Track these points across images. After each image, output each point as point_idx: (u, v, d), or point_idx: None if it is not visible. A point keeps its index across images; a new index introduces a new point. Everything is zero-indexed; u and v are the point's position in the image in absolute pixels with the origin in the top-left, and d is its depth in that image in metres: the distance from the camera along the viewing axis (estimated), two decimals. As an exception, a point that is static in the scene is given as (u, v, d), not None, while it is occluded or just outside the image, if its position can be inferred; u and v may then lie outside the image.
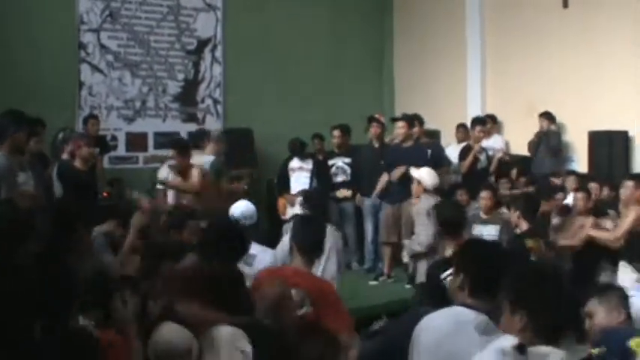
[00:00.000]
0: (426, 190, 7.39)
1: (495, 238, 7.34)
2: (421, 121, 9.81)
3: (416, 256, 7.44)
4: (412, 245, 7.44)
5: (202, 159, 8.62)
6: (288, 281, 4.11)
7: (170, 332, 3.67)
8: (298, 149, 9.98)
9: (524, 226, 6.85)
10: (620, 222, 7.07)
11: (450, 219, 5.68)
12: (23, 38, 10.56)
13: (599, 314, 3.84)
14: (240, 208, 6.33)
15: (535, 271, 3.18)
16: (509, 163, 10.34)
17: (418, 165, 8.77)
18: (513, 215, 7.06)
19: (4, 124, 6.48)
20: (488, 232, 7.35)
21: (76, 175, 7.73)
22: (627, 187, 7.07)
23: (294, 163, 10.03)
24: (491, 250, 3.66)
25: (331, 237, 5.78)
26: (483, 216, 7.57)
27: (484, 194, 7.65)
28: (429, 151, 9.25)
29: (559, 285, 2.95)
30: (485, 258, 3.40)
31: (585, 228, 7.26)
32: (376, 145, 9.69)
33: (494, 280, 3.12)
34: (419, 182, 7.47)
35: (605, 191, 8.31)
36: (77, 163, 7.71)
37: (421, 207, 7.26)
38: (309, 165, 9.95)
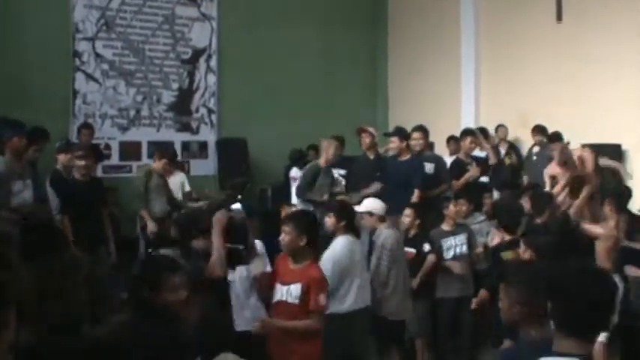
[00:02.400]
0: (381, 220, 6.79)
1: (465, 247, 7.38)
2: (426, 133, 9.35)
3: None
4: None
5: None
6: None
7: None
8: (298, 158, 9.98)
9: (506, 237, 6.64)
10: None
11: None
12: (18, 46, 10.57)
13: None
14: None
15: None
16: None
17: (414, 179, 8.77)
18: (499, 229, 6.94)
19: (0, 128, 6.50)
20: (460, 241, 7.36)
21: (68, 185, 7.73)
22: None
23: (294, 172, 10.02)
24: (593, 278, 2.86)
25: None
26: (451, 228, 7.43)
27: (457, 203, 7.53)
28: (433, 165, 9.04)
29: None
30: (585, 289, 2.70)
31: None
32: (371, 156, 9.60)
33: (597, 316, 2.70)
34: (371, 214, 6.77)
35: None
36: (76, 174, 7.72)
37: (385, 240, 6.62)
38: None
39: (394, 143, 8.98)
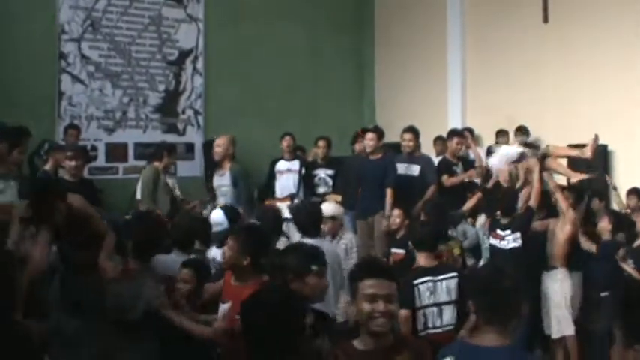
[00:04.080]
0: (341, 225, 6.87)
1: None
2: (417, 135, 9.34)
3: None
4: None
5: None
6: None
7: None
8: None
9: None
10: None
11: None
12: (3, 47, 10.50)
13: None
14: (212, 216, 6.52)
15: None
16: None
17: (383, 179, 8.73)
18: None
19: None
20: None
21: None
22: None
23: (281, 165, 10.00)
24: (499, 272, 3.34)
25: None
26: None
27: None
28: (419, 167, 9.03)
29: None
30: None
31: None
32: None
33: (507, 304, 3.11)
34: (334, 219, 6.76)
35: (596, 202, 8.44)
36: (65, 176, 7.67)
37: (350, 244, 6.76)
38: (296, 166, 9.90)
39: (372, 140, 8.97)
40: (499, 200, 7.42)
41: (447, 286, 5.25)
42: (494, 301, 3.08)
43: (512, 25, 11.43)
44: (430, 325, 5.20)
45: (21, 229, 5.01)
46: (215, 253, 5.85)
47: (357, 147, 10.00)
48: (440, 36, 12.50)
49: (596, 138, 7.45)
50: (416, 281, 5.23)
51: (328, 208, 6.90)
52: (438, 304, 5.21)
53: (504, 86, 11.46)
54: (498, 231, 7.09)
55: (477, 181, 9.44)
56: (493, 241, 7.12)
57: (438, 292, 5.23)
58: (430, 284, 5.24)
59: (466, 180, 9.25)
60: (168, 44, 12.18)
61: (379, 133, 9.11)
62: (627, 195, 8.48)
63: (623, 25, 9.88)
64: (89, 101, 11.41)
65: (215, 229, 6.15)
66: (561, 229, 6.99)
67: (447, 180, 9.06)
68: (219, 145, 8.82)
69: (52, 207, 4.88)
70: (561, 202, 7.09)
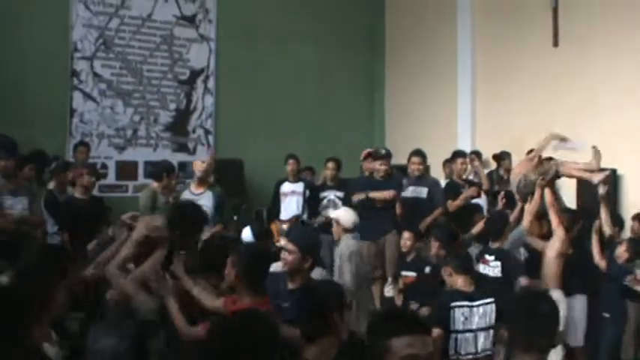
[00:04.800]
0: (346, 231, 6.60)
1: None
2: (424, 158, 9.30)
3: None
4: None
5: None
6: None
7: None
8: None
9: (442, 254, 6.55)
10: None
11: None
12: (16, 64, 10.60)
13: None
14: (243, 234, 6.50)
15: None
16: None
17: (393, 200, 8.75)
18: (434, 245, 6.82)
19: None
20: None
21: (64, 204, 7.71)
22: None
23: (286, 187, 9.96)
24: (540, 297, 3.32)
25: None
26: None
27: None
28: (426, 190, 8.97)
29: None
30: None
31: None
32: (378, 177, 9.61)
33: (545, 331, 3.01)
34: (337, 223, 6.61)
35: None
36: (76, 193, 7.69)
37: (343, 249, 6.42)
38: (300, 188, 9.89)
39: (385, 166, 8.95)
40: (488, 223, 7.37)
41: (483, 311, 5.11)
42: (532, 327, 2.93)
43: (522, 49, 11.46)
44: (462, 351, 5.05)
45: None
46: None
47: (365, 167, 9.96)
48: (450, 58, 12.54)
49: (598, 154, 7.49)
50: (453, 304, 5.10)
51: (335, 211, 6.96)
52: (472, 331, 5.08)
53: (514, 109, 11.46)
54: (486, 256, 6.90)
55: (481, 202, 9.45)
56: (481, 266, 6.82)
57: (473, 319, 5.09)
58: (466, 310, 5.10)
59: (469, 200, 9.23)
60: (180, 64, 12.26)
61: (389, 158, 9.08)
62: (633, 220, 8.43)
63: (633, 48, 9.88)
64: (100, 119, 11.49)
65: None
66: (551, 248, 6.83)
67: (451, 205, 8.99)
68: (209, 163, 8.64)
69: (196, 233, 4.89)
70: (553, 218, 6.95)
